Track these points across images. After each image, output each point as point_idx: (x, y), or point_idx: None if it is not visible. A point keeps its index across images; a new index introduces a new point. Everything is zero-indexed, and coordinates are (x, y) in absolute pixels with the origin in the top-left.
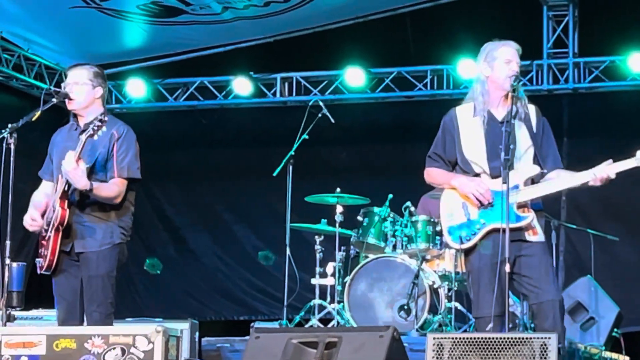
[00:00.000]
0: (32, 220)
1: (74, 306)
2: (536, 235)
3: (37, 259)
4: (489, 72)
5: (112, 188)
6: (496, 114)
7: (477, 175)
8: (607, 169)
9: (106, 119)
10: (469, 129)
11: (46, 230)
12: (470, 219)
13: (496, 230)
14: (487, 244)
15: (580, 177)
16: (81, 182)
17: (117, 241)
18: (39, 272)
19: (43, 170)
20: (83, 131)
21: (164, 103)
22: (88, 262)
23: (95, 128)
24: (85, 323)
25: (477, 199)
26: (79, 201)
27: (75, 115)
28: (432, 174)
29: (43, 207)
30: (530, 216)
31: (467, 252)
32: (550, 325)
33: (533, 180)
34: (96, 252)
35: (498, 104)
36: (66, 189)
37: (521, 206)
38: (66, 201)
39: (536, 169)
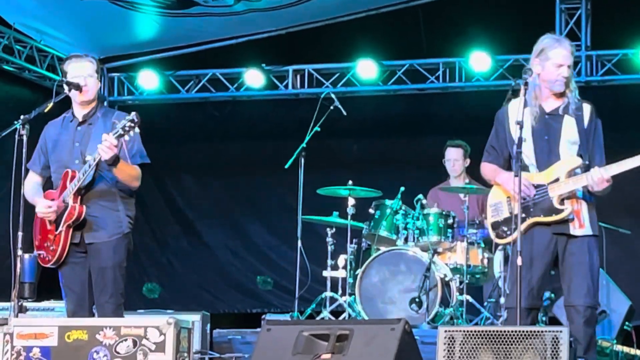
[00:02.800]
0: (48, 208)
1: (83, 298)
2: (582, 228)
3: (38, 252)
4: (539, 69)
5: (132, 170)
6: (545, 107)
7: (526, 167)
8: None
9: (132, 117)
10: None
11: (55, 225)
12: (512, 213)
13: (537, 224)
14: (528, 238)
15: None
16: (108, 154)
17: (126, 231)
18: (43, 264)
19: (34, 162)
20: (83, 122)
21: (175, 95)
22: (98, 254)
23: (127, 129)
24: (96, 314)
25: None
26: (88, 193)
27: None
28: (484, 169)
29: (42, 196)
30: (567, 209)
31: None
32: (574, 330)
33: (576, 173)
34: (106, 242)
35: (548, 97)
36: (81, 185)
37: (564, 198)
38: (79, 197)
39: (578, 161)
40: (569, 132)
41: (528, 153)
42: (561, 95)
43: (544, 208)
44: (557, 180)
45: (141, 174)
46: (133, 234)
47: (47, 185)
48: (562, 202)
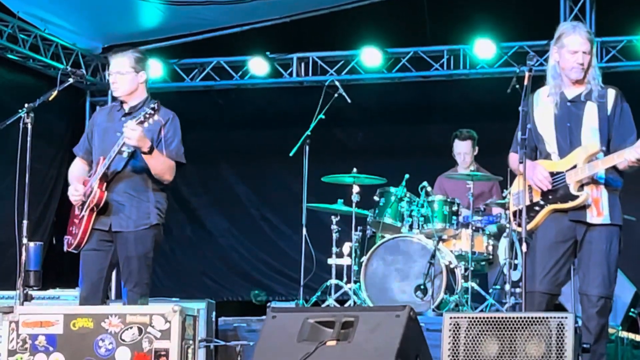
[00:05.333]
0: (75, 191)
1: (97, 287)
2: (601, 217)
3: (65, 237)
4: (557, 57)
5: (167, 161)
6: (567, 94)
7: (548, 155)
8: None
9: (153, 105)
10: (542, 109)
11: (80, 209)
12: (532, 201)
13: (556, 211)
14: (548, 225)
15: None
16: (147, 143)
17: (154, 222)
18: (65, 249)
19: (79, 147)
20: (128, 114)
21: (180, 83)
22: (125, 243)
23: (147, 116)
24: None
25: (538, 186)
26: (118, 181)
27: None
28: (510, 159)
29: (81, 181)
30: (583, 195)
31: (530, 233)
32: (585, 319)
33: (595, 159)
34: (133, 232)
35: (569, 85)
36: (107, 171)
37: (583, 184)
38: (105, 183)
39: (596, 147)
40: (591, 118)
41: (550, 141)
42: (582, 82)
43: (561, 195)
44: (575, 166)
45: (174, 170)
46: None
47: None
48: (580, 188)
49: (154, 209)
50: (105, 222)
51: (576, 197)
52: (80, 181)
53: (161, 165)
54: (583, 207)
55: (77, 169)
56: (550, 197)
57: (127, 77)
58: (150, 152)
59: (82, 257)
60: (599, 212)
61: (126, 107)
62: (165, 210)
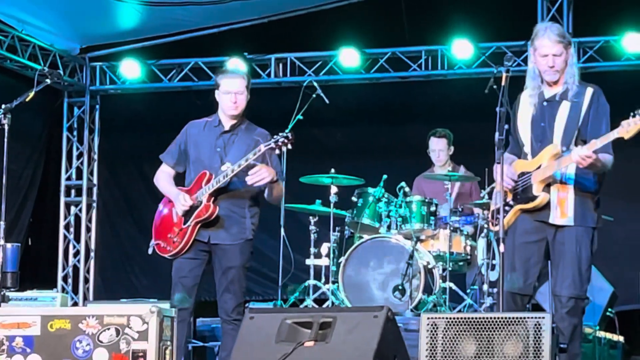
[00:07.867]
0: (184, 201)
1: (191, 293)
2: (564, 218)
3: (156, 241)
4: (533, 59)
5: (282, 186)
6: (545, 94)
7: (526, 155)
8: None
9: (287, 134)
10: (523, 109)
11: (183, 219)
12: (505, 201)
13: (523, 212)
14: (517, 225)
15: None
16: (272, 175)
17: (250, 237)
18: (151, 251)
19: (170, 156)
20: (228, 131)
21: (158, 84)
22: (225, 254)
23: (280, 144)
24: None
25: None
26: (221, 197)
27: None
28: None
29: (184, 191)
30: (540, 195)
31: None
32: (557, 320)
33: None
34: (231, 245)
35: (547, 85)
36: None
37: (549, 184)
38: (213, 197)
39: (556, 148)
40: (564, 118)
41: (526, 142)
42: (559, 82)
43: (525, 195)
44: (540, 167)
45: None
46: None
47: (177, 180)
48: (546, 188)
49: (250, 225)
50: (204, 234)
51: (535, 197)
52: (175, 188)
53: (280, 191)
54: (547, 208)
55: (165, 176)
56: (518, 197)
57: (243, 97)
58: (277, 180)
59: (176, 264)
60: (563, 212)
61: (226, 124)
62: (257, 227)
